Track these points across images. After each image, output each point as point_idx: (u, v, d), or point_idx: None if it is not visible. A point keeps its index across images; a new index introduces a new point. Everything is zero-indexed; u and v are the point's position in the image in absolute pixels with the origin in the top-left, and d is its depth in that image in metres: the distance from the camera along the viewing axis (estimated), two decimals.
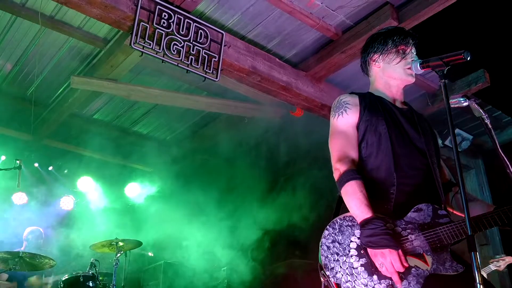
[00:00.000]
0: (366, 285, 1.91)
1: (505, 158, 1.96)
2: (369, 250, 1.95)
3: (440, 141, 5.73)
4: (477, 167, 6.46)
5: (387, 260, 1.88)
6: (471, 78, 5.08)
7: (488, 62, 4.83)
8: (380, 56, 2.34)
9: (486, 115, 2.06)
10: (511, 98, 5.24)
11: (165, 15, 3.99)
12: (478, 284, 1.58)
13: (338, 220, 2.08)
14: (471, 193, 4.11)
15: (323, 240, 2.05)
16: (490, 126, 2.05)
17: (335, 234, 2.05)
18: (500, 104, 5.45)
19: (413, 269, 1.91)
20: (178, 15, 4.07)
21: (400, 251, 1.91)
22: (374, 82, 2.41)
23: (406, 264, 1.91)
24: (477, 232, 1.89)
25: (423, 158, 2.18)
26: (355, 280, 1.93)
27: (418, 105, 5.44)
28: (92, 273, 4.91)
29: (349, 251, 1.99)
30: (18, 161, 5.11)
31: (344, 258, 1.98)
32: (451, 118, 1.79)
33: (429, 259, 1.93)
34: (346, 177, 2.07)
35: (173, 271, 6.51)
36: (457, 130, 5.72)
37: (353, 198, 2.02)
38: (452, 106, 2.09)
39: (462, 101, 2.08)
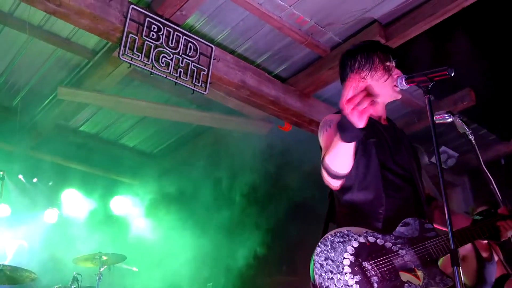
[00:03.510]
0: None
1: (488, 173, 1.98)
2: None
3: (426, 159, 5.81)
4: (463, 184, 6.50)
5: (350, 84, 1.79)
6: (456, 96, 5.15)
7: (474, 80, 4.89)
8: (369, 73, 2.31)
9: (470, 131, 2.09)
10: (496, 117, 5.31)
11: (154, 28, 4.00)
12: None
13: (329, 237, 2.03)
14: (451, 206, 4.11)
15: (315, 257, 1.98)
16: (474, 142, 2.07)
17: (327, 251, 1.99)
18: (485, 122, 5.52)
19: (406, 284, 1.90)
20: (168, 28, 4.08)
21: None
22: None
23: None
24: (459, 246, 1.91)
25: (407, 174, 2.20)
26: None
27: (404, 123, 5.49)
28: (74, 287, 4.81)
29: (343, 269, 1.95)
30: (1, 172, 5.03)
31: (339, 276, 1.93)
32: (435, 133, 1.81)
33: (420, 274, 1.92)
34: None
35: (158, 286, 6.41)
36: (443, 148, 5.77)
37: (331, 150, 1.95)
38: (436, 122, 2.11)
39: (447, 117, 2.11)
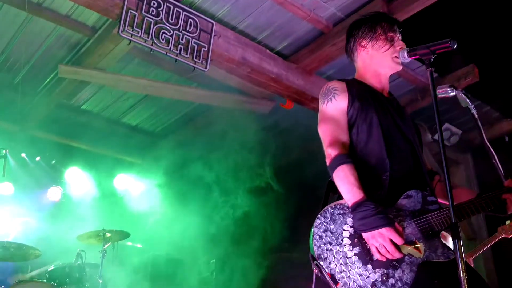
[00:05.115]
0: (361, 275, 1.88)
1: (490, 148, 1.97)
2: (364, 234, 1.92)
3: (429, 136, 5.79)
4: (466, 162, 6.48)
5: (386, 239, 1.86)
6: (460, 73, 5.08)
7: (478, 57, 4.83)
8: (370, 43, 2.34)
9: (473, 105, 2.07)
10: (500, 94, 5.26)
11: (154, 3, 3.95)
12: (461, 272, 1.58)
13: (329, 209, 2.05)
14: (454, 181, 4.14)
15: (314, 229, 2.00)
16: (476, 116, 2.05)
17: (327, 223, 2.01)
18: (489, 99, 5.47)
19: (406, 257, 1.90)
20: (168, 4, 4.02)
21: (396, 224, 1.91)
22: (362, 69, 2.40)
23: (403, 238, 1.90)
24: (462, 220, 1.90)
25: (409, 145, 2.19)
26: (350, 269, 1.90)
27: (408, 100, 5.45)
28: (78, 264, 4.87)
29: (342, 240, 1.96)
30: (4, 151, 5.04)
31: (338, 247, 1.95)
32: (437, 105, 1.79)
33: (421, 246, 1.92)
34: (337, 161, 2.06)
35: (161, 263, 6.49)
36: (446, 125, 5.74)
37: (345, 182, 2.01)
38: (439, 96, 2.09)
39: (449, 91, 2.08)
